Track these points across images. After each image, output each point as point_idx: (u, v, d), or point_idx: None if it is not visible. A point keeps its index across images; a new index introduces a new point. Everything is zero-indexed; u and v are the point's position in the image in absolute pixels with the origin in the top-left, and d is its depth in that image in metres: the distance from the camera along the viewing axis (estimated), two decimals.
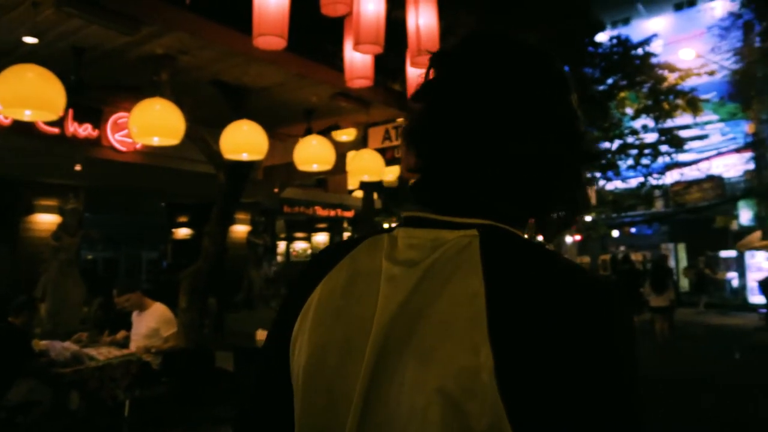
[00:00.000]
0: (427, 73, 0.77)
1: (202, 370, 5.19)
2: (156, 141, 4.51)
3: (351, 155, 7.20)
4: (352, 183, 11.73)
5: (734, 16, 14.94)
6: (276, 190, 8.54)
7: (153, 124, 4.42)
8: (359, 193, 12.14)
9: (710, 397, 6.65)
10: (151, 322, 4.78)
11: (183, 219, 10.07)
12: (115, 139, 6.88)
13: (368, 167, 6.53)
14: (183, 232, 10.14)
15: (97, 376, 4.29)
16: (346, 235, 13.78)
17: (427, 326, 0.63)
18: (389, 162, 7.00)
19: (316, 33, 5.84)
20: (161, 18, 4.25)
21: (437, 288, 0.65)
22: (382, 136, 7.37)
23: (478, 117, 0.70)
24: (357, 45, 3.74)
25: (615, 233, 23.41)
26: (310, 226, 13.70)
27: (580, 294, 0.61)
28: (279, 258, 14.34)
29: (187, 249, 9.56)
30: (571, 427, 0.56)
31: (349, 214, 12.70)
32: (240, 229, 9.28)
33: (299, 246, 14.39)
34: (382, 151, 6.96)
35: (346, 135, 7.65)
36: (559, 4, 6.64)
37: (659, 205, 21.93)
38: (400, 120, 7.24)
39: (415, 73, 4.73)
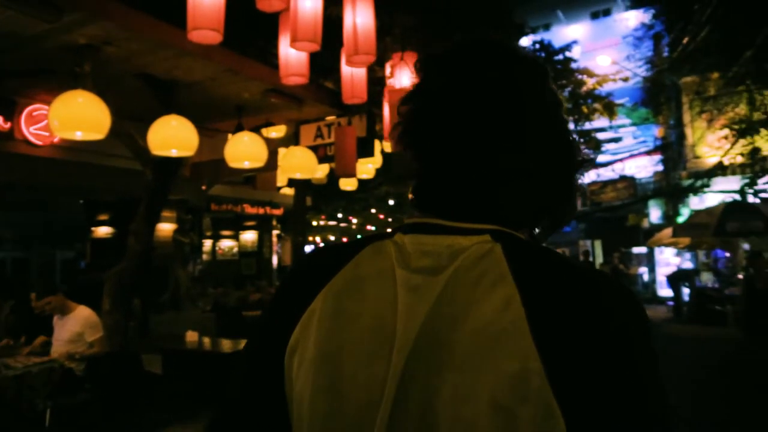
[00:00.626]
0: (424, 74, 0.77)
1: (129, 374, 4.99)
2: (79, 135, 4.28)
3: (282, 152, 7.11)
4: (282, 180, 11.61)
5: (646, 27, 15.83)
6: (204, 187, 8.31)
7: (76, 117, 4.19)
8: (288, 191, 12.02)
9: None
10: (75, 327, 4.54)
11: (103, 217, 9.60)
12: (30, 132, 6.48)
13: (301, 164, 6.48)
14: (103, 231, 9.67)
15: (15, 386, 4.03)
16: (275, 233, 13.59)
17: (464, 335, 0.62)
18: (321, 159, 6.97)
19: (249, 28, 5.73)
20: (85, 5, 4.04)
21: (467, 296, 0.64)
22: (314, 134, 7.32)
23: (483, 125, 0.71)
24: (294, 42, 3.69)
25: (536, 230, 24.30)
26: (237, 224, 13.41)
27: (612, 297, 0.64)
28: (204, 257, 13.96)
29: (108, 248, 9.13)
30: (617, 422, 0.58)
31: (278, 212, 12.53)
32: (166, 227, 8.97)
33: (225, 244, 14.07)
34: (314, 149, 6.91)
35: (276, 132, 7.54)
36: (491, 9, 6.83)
37: (578, 204, 22.92)
38: (331, 117, 7.21)
39: (350, 72, 4.74)
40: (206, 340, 6.02)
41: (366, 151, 6.78)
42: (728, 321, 11.44)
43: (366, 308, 0.68)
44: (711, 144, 14.91)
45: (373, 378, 0.64)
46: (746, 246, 15.92)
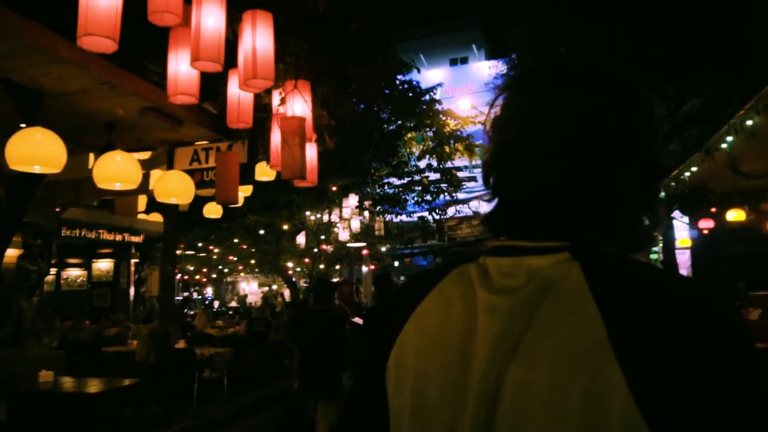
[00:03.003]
0: (509, 99, 0.77)
1: None
2: None
3: (156, 175, 6.68)
4: (143, 205, 10.85)
5: (504, 76, 17.19)
6: (57, 209, 7.53)
7: None
8: (147, 216, 11.26)
9: None
10: None
11: None
12: None
13: (177, 189, 6.13)
14: None
15: None
16: (133, 261, 12.61)
17: (545, 354, 0.63)
18: (198, 185, 6.65)
19: (129, 40, 5.36)
20: None
21: (546, 315, 0.64)
22: (190, 157, 6.98)
23: (570, 148, 0.71)
24: (195, 61, 3.52)
25: (395, 263, 25.08)
26: (89, 252, 12.27)
27: (698, 313, 0.61)
28: (46, 287, 12.57)
29: None
30: None
31: (138, 239, 11.68)
32: (9, 253, 7.95)
33: (72, 273, 12.78)
34: (190, 173, 6.58)
35: (142, 153, 7.09)
36: (380, 44, 7.04)
37: (434, 239, 24.00)
38: (204, 142, 6.93)
39: (237, 95, 4.61)
40: (66, 381, 5.36)
41: (247, 177, 6.58)
42: None
43: (449, 330, 0.71)
44: None
45: (455, 397, 0.67)
46: None
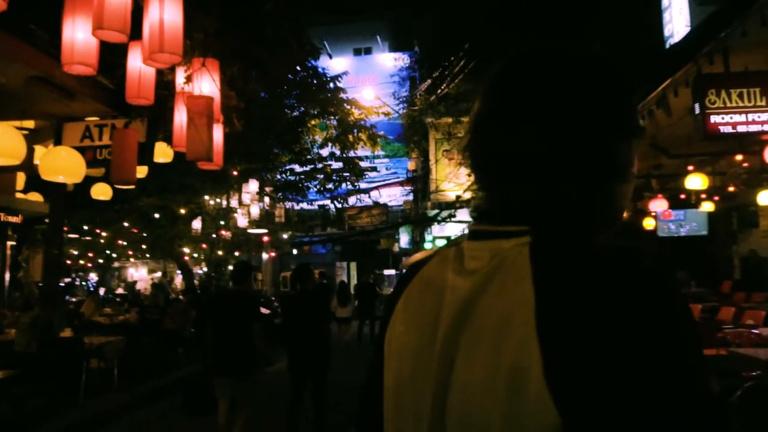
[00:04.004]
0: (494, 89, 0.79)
1: None
2: None
3: (41, 151, 6.19)
4: (21, 183, 9.97)
5: (410, 69, 17.47)
6: None
7: None
8: (25, 196, 10.37)
9: None
10: None
11: None
12: None
13: (65, 167, 5.69)
14: None
15: None
16: (9, 244, 11.55)
17: (486, 331, 0.68)
18: (90, 163, 6.22)
19: (16, 2, 4.90)
20: None
21: (493, 293, 0.70)
22: (81, 134, 6.53)
23: (551, 138, 0.72)
24: (98, 30, 3.30)
25: (294, 251, 24.90)
26: None
27: (620, 284, 0.62)
28: None
29: None
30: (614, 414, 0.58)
31: (17, 219, 10.72)
32: None
33: None
34: (80, 150, 6.15)
35: (24, 126, 6.54)
36: (294, 26, 6.89)
37: (334, 227, 24.08)
38: (94, 118, 6.51)
39: (138, 69, 4.39)
40: None
41: (145, 157, 6.25)
42: None
43: (424, 311, 0.78)
44: (455, 179, 16.93)
45: (423, 375, 0.74)
46: None
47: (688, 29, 14.08)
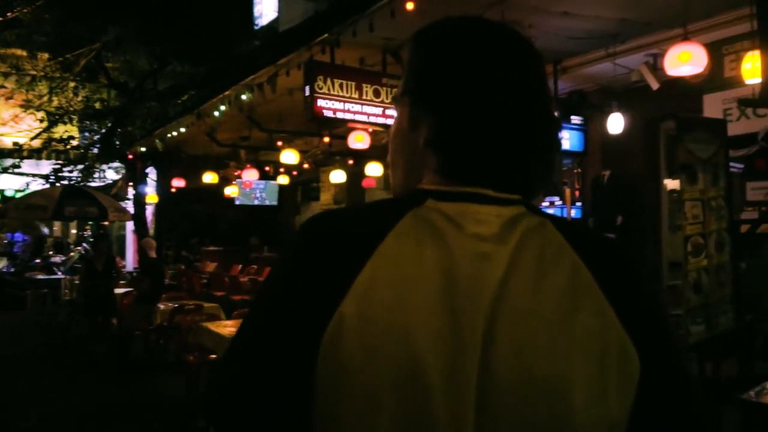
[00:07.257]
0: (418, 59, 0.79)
1: None
2: None
3: None
4: None
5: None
6: None
7: None
8: None
9: None
10: None
11: None
12: None
13: None
14: None
15: None
16: None
17: (542, 297, 0.68)
18: None
19: None
20: None
21: (536, 265, 0.70)
22: None
23: (526, 99, 0.76)
24: None
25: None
26: None
27: (634, 255, 0.81)
28: None
29: None
30: (673, 353, 0.75)
31: None
32: None
33: None
34: None
35: None
36: None
37: None
38: None
39: None
40: None
41: None
42: (28, 304, 11.39)
43: (427, 277, 0.68)
44: (16, 124, 14.25)
45: (450, 341, 0.66)
46: (46, 230, 16.24)
47: (276, 14, 15.29)
